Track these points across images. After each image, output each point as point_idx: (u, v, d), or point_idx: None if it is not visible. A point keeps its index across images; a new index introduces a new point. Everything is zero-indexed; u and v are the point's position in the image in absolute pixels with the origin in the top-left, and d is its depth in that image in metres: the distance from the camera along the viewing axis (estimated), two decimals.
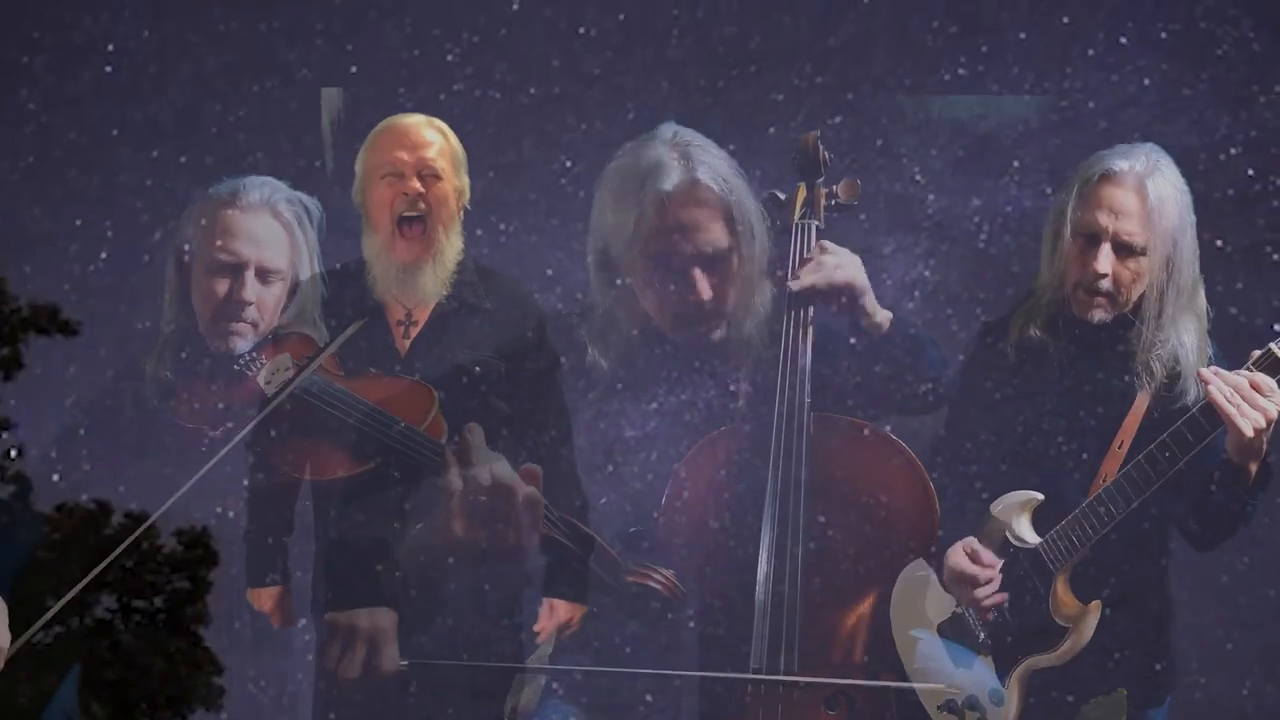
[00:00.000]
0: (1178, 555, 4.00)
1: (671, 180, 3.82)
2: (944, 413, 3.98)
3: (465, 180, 3.83)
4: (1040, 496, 3.82)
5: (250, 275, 3.91)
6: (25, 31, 4.54)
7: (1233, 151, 4.46)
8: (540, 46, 4.64)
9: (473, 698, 3.75)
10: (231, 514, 3.81)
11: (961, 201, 4.52)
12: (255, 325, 3.89)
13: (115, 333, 4.30)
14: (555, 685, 3.85)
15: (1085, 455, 3.86)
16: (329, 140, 4.67)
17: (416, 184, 3.77)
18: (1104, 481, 3.81)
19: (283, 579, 3.77)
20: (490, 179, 4.38)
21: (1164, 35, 4.52)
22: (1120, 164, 3.82)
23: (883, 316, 3.87)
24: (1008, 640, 3.81)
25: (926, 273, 4.33)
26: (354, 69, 4.63)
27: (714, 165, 3.85)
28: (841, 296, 3.83)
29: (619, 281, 3.89)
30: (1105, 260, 3.81)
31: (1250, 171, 4.49)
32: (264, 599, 3.77)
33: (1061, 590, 3.80)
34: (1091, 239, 3.82)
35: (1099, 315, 3.85)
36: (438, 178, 3.78)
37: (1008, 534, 3.83)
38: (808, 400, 3.78)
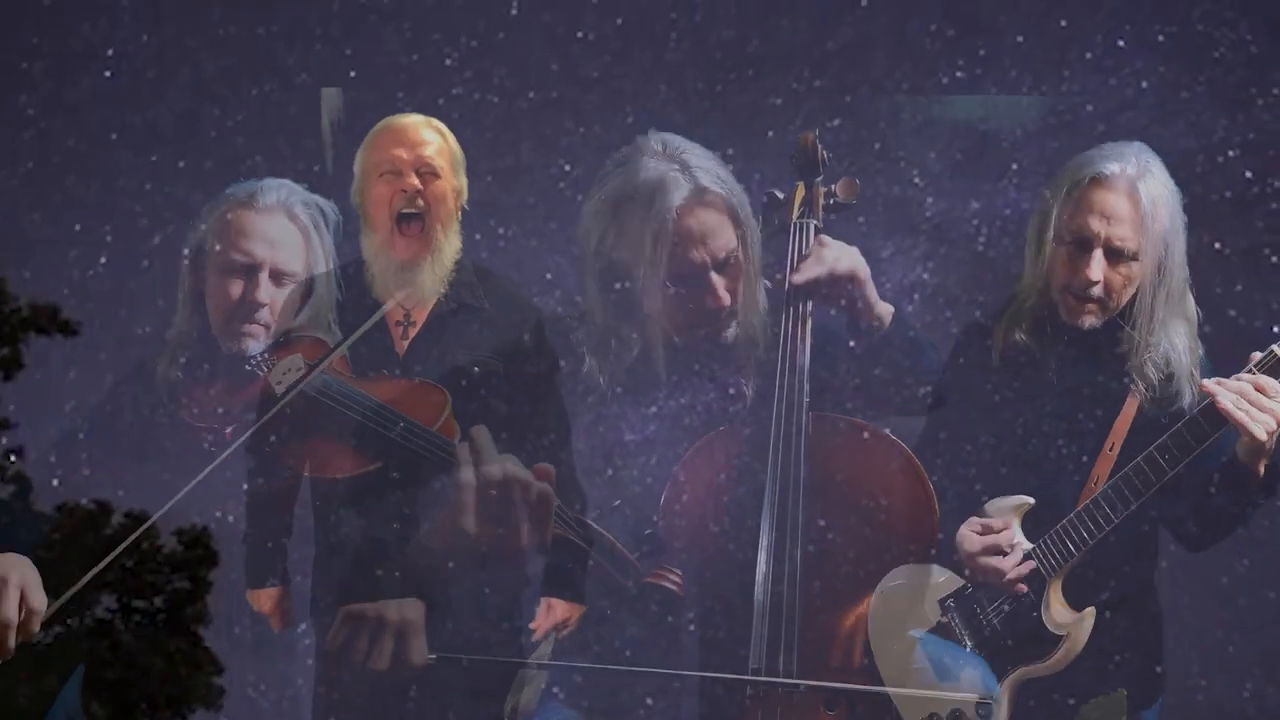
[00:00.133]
0: (1176, 558, 4.00)
1: (681, 194, 3.79)
2: (938, 411, 3.97)
3: (463, 180, 3.81)
4: (1031, 501, 3.79)
5: (264, 277, 3.92)
6: (25, 37, 4.55)
7: (1230, 154, 4.46)
8: (539, 50, 4.65)
9: (473, 699, 3.74)
10: (231, 518, 3.81)
11: (960, 204, 4.52)
12: (268, 327, 3.89)
13: (115, 337, 4.30)
14: (555, 689, 3.84)
15: (1085, 458, 3.84)
16: (328, 143, 4.67)
17: (415, 181, 3.74)
18: (1095, 485, 3.79)
19: (282, 581, 3.76)
20: (489, 183, 4.38)
21: (1161, 38, 4.52)
22: (1111, 167, 3.78)
23: (883, 309, 3.86)
24: (999, 647, 3.79)
25: (925, 275, 4.33)
26: (353, 73, 4.63)
27: (710, 168, 3.84)
28: (845, 286, 3.82)
29: (618, 285, 3.88)
30: (1097, 268, 3.77)
31: (1248, 174, 4.49)
32: (263, 600, 3.75)
33: (1054, 598, 3.77)
34: (1082, 244, 3.78)
35: (1089, 321, 3.81)
36: (436, 176, 3.75)
37: None
38: (806, 399, 3.77)
